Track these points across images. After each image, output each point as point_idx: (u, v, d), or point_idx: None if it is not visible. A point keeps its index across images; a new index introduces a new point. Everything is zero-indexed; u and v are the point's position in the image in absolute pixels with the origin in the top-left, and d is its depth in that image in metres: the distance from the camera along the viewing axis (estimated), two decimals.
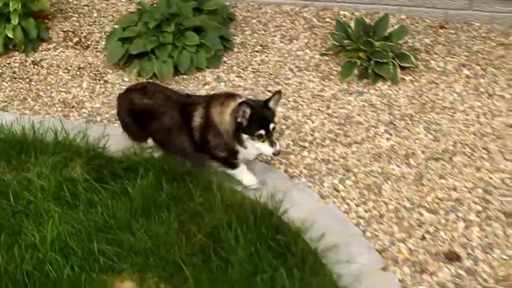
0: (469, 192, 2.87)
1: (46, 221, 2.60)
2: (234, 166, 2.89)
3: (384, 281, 2.49)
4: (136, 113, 3.01)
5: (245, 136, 2.75)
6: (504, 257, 2.57)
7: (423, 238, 2.66)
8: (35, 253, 2.47)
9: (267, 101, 2.77)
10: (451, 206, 2.80)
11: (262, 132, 2.70)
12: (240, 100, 2.78)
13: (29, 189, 2.78)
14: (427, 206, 2.81)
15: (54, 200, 2.71)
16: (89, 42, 3.98)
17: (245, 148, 2.80)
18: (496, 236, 2.66)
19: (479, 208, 2.79)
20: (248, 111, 2.69)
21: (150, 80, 3.52)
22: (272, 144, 2.72)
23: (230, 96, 2.88)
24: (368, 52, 3.59)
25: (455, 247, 2.61)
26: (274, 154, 2.75)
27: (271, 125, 2.73)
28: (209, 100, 2.90)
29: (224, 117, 2.80)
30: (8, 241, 2.54)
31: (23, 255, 2.46)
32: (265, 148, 2.73)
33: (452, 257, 2.57)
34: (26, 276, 2.38)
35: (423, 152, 3.10)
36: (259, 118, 2.72)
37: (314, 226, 2.65)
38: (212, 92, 3.48)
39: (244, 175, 2.92)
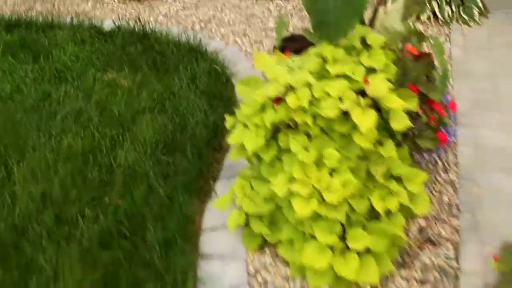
0: None
1: (65, 47, 4.62)
2: None
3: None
4: None
5: None
6: None
7: None
8: (61, 57, 4.47)
9: None
10: None
11: None
12: None
13: (56, 39, 4.80)
14: None
15: (71, 41, 4.74)
16: None
17: None
18: None
19: None
20: None
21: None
22: None
23: None
24: None
25: None
26: None
27: None
28: None
29: None
30: (46, 52, 4.55)
31: (55, 58, 4.47)
32: None
33: None
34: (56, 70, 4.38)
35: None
36: None
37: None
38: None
39: None
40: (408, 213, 2.66)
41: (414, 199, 2.62)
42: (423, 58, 2.83)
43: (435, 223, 2.96)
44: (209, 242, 2.92)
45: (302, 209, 2.48)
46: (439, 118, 2.71)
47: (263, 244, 2.84)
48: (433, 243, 2.85)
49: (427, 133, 2.69)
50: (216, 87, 4.01)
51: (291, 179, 2.56)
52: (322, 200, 2.50)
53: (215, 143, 3.52)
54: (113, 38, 4.79)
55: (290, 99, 2.57)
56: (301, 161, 2.55)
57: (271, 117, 2.64)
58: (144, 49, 4.57)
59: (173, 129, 3.59)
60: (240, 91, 3.00)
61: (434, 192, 3.14)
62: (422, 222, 2.96)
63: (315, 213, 2.52)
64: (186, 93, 3.95)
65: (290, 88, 2.64)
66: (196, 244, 2.90)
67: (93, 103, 3.93)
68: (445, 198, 3.09)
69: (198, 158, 3.33)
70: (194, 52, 4.46)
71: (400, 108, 2.51)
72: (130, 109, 3.85)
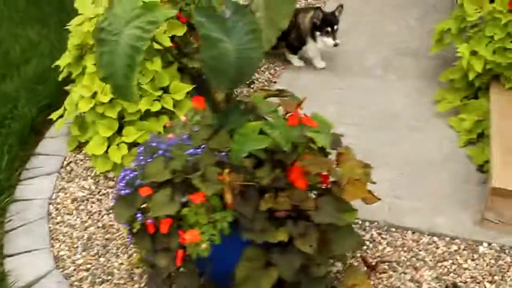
0: None
1: None
2: (295, 53, 4.23)
3: None
4: None
5: (317, 33, 3.99)
6: None
7: None
8: None
9: (333, 12, 4.01)
10: None
11: (329, 29, 3.96)
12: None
13: None
14: None
15: None
16: None
17: (315, 41, 4.04)
18: None
19: None
20: (321, 14, 3.95)
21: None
22: (334, 38, 3.98)
23: (312, 7, 4.22)
24: None
25: None
26: (334, 45, 3.99)
27: (335, 26, 3.97)
28: (299, 9, 4.16)
29: (304, 20, 4.07)
30: None
31: None
32: (329, 40, 3.97)
33: None
34: None
35: None
36: (327, 20, 3.97)
37: None
38: None
39: (295, 60, 4.26)
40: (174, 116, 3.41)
41: (179, 105, 3.37)
42: None
43: None
44: (44, 146, 3.75)
45: (84, 106, 3.28)
46: None
47: (82, 146, 3.64)
48: None
49: (198, 55, 3.42)
50: None
51: (83, 86, 3.35)
52: (101, 102, 3.29)
53: None
54: (37, 1, 5.66)
55: (84, 26, 3.37)
56: (89, 72, 3.34)
57: (73, 40, 3.44)
58: (58, 9, 5.43)
59: (51, 66, 4.43)
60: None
61: None
62: None
63: (99, 114, 3.31)
64: None
65: (90, 19, 3.43)
66: (35, 146, 3.73)
67: (1, 51, 4.81)
68: None
69: (55, 87, 4.15)
70: None
71: (162, 32, 3.27)
72: (27, 54, 4.71)
